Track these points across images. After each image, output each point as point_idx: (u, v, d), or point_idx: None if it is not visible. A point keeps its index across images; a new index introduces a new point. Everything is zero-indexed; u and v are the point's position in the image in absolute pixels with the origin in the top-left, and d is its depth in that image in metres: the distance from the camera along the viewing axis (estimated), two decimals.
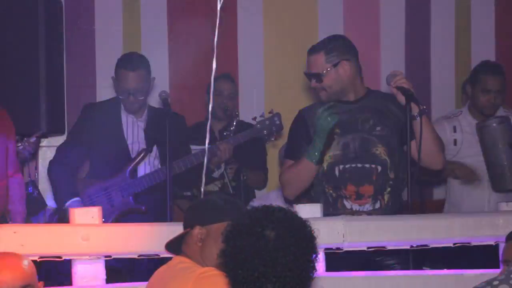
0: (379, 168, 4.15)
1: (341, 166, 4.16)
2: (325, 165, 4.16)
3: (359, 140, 4.18)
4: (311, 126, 4.18)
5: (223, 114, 5.55)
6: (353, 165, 4.16)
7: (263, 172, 5.75)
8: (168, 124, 4.37)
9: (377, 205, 4.15)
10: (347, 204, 4.16)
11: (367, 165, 4.14)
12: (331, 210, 4.13)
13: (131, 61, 4.86)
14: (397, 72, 4.16)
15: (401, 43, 6.54)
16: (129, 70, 4.82)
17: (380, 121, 4.19)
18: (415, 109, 4.03)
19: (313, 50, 4.23)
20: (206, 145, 4.01)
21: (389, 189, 4.17)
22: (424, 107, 4.07)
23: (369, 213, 4.14)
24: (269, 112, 4.95)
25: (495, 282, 2.35)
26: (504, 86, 5.39)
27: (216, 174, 5.02)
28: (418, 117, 4.02)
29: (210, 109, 4.02)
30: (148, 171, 4.85)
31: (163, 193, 4.38)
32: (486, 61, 5.61)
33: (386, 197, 4.16)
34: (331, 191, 4.19)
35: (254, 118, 4.96)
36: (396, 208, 4.17)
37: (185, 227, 3.19)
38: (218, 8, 3.60)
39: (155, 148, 4.89)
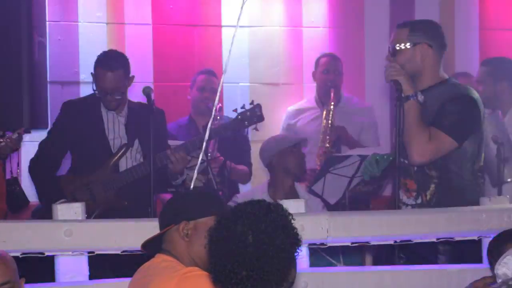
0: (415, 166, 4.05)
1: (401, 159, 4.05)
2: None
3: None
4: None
5: (207, 109, 5.53)
6: (402, 159, 4.03)
7: (248, 167, 5.74)
8: (151, 120, 4.37)
9: (419, 201, 4.08)
10: (401, 194, 4.08)
11: (406, 161, 4.04)
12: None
13: (109, 61, 4.78)
14: (386, 65, 4.05)
15: (385, 37, 6.55)
16: (107, 69, 4.74)
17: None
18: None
19: (400, 25, 4.02)
20: (205, 142, 3.99)
21: (432, 186, 4.04)
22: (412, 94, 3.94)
23: (413, 206, 4.06)
24: (250, 103, 4.93)
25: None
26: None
27: (179, 181, 4.90)
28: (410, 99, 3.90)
29: (215, 107, 4.00)
30: (130, 165, 4.82)
31: (146, 187, 4.37)
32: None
33: (428, 194, 4.06)
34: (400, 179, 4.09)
35: (235, 110, 4.94)
36: (444, 205, 3.94)
37: (165, 224, 3.09)
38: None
39: (136, 141, 4.87)
